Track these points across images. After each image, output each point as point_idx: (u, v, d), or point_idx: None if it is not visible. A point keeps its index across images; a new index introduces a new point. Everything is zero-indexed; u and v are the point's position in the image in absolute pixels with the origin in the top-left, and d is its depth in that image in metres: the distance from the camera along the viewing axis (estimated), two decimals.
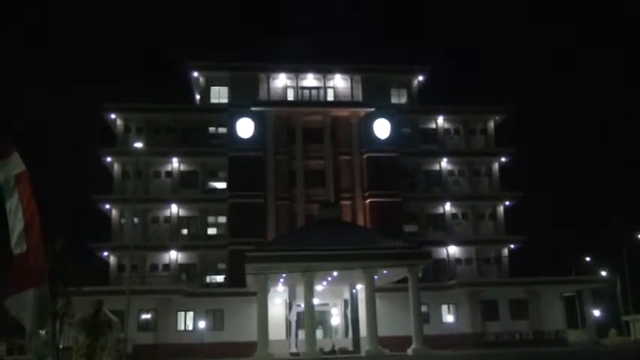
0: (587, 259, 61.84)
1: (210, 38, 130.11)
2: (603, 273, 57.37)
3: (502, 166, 58.60)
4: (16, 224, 7.94)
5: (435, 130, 58.51)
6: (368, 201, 53.84)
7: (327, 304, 49.42)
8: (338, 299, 48.87)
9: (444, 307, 49.31)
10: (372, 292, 39.89)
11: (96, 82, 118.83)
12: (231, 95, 56.88)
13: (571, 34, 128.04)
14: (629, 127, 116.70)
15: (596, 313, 54.20)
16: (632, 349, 38.91)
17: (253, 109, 54.29)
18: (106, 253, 52.40)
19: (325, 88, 58.18)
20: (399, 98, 59.53)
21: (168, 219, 53.80)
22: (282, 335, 44.58)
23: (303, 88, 58.09)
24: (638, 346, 44.58)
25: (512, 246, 56.17)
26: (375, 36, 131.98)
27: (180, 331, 46.57)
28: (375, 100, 56.34)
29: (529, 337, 47.78)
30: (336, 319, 49.71)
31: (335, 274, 41.12)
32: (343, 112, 55.99)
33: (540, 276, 50.21)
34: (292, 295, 44.23)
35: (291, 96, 57.72)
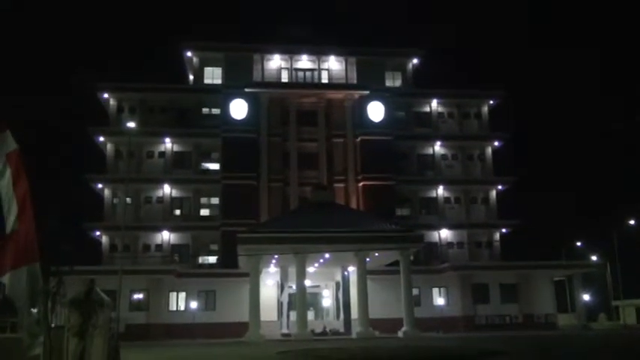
0: (578, 243, 62.27)
1: (205, 18, 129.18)
2: (594, 258, 57.77)
3: (495, 151, 58.71)
4: (8, 202, 7.92)
5: (429, 113, 58.52)
6: (361, 184, 53.93)
7: (318, 286, 49.64)
8: (330, 281, 49.08)
9: (435, 290, 49.61)
10: (363, 274, 40.10)
11: (89, 61, 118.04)
12: (225, 76, 56.63)
13: (568, 21, 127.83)
14: (622, 112, 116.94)
15: (586, 297, 54.66)
16: (621, 334, 39.29)
17: (247, 90, 54.12)
18: (98, 233, 52.41)
19: (320, 70, 57.98)
20: (393, 81, 59.46)
21: (161, 199, 53.77)
22: (274, 316, 44.81)
23: (297, 69, 57.87)
24: (627, 331, 45.02)
25: (504, 230, 56.47)
26: (369, 18, 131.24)
27: (172, 312, 46.72)
28: (370, 82, 56.21)
29: (519, 321, 48.22)
30: (327, 300, 49.96)
31: (327, 256, 41.26)
32: (337, 95, 55.87)
33: (531, 260, 50.55)
34: (284, 277, 44.41)
35: (285, 77, 57.50)
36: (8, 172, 7.99)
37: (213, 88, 55.87)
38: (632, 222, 56.18)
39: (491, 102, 59.43)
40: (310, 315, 45.52)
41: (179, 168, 54.48)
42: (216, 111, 55.42)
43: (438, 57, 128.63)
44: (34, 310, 7.79)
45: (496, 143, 58.35)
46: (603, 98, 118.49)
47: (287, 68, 57.74)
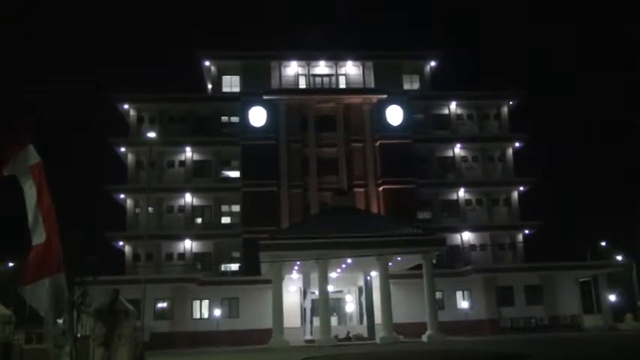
0: (603, 243, 61.46)
1: (222, 27, 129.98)
2: (619, 257, 56.96)
3: (516, 151, 58.24)
4: (33, 214, 8.01)
5: (448, 115, 58.22)
6: (381, 188, 53.77)
7: (341, 292, 49.54)
8: (352, 286, 48.97)
9: (459, 294, 49.28)
10: (386, 279, 39.95)
11: (108, 72, 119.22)
12: (243, 84, 56.92)
13: (587, 17, 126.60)
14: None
15: (612, 298, 53.85)
16: None
17: (265, 97, 54.30)
18: (121, 243, 52.79)
19: (337, 76, 58.01)
20: (411, 84, 59.31)
21: (182, 208, 54.06)
22: (297, 322, 44.77)
23: (314, 75, 57.97)
24: None
25: (526, 231, 55.93)
26: (380, 23, 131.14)
27: (196, 320, 46.91)
28: (388, 86, 56.13)
29: (544, 323, 47.68)
30: (350, 306, 49.84)
31: (349, 261, 41.17)
32: (355, 99, 55.83)
33: (555, 261, 49.99)
34: (307, 283, 44.36)
35: (303, 84, 57.63)
36: (33, 185, 8.09)
37: (231, 96, 56.13)
38: None
39: (511, 102, 58.99)
40: (333, 321, 45.41)
41: (199, 176, 54.78)
42: (235, 119, 55.66)
43: (456, 58, 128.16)
44: (60, 321, 7.86)
45: (516, 144, 57.87)
46: (623, 93, 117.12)
47: (304, 74, 57.88)
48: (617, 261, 55.45)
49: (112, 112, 57.25)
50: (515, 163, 57.78)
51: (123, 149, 54.76)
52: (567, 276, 49.64)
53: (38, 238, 7.94)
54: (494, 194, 56.87)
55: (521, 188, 56.81)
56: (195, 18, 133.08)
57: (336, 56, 57.87)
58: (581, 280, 50.70)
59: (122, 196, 53.89)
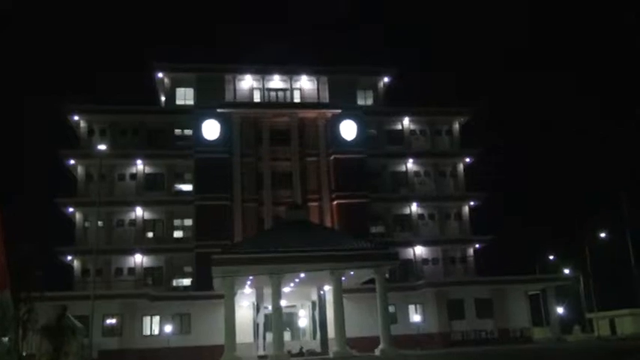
0: (551, 257, 62.89)
1: (177, 38, 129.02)
2: (567, 271, 58.34)
3: (467, 167, 59.20)
4: None
5: (401, 131, 58.85)
6: (335, 202, 53.92)
7: (294, 306, 49.32)
8: (306, 301, 48.80)
9: (411, 307, 49.59)
10: (339, 293, 39.93)
11: (59, 83, 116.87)
12: (196, 97, 56.43)
13: (535, 32, 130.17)
14: (593, 126, 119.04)
15: (560, 310, 55.08)
16: (595, 346, 39.64)
17: (219, 110, 53.95)
18: (69, 258, 51.52)
19: (292, 90, 58.08)
20: (365, 100, 59.82)
21: (133, 222, 53.07)
22: (250, 338, 44.36)
23: (269, 89, 57.89)
24: (601, 343, 45.43)
25: (477, 245, 56.79)
26: (336, 35, 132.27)
27: (146, 336, 45.99)
28: (342, 101, 56.44)
29: (494, 336, 48.34)
30: (303, 320, 49.64)
31: (302, 275, 41.06)
32: (310, 114, 55.99)
33: (505, 275, 50.86)
34: (260, 298, 44.05)
35: (257, 97, 57.47)
36: None
37: (185, 108, 55.57)
38: (603, 234, 56.92)
39: (462, 119, 60.00)
40: (287, 336, 45.10)
41: (151, 190, 53.88)
42: (188, 132, 55.07)
43: (411, 75, 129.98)
44: (5, 339, 7.60)
45: (467, 159, 58.86)
46: (570, 109, 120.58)
47: (259, 88, 57.73)
48: (565, 274, 56.78)
49: (63, 124, 56.05)
50: (466, 178, 58.71)
51: (72, 162, 53.62)
52: (517, 289, 50.51)
53: None
54: (446, 209, 57.63)
55: (472, 203, 57.73)
56: (150, 29, 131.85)
57: (290, 71, 57.94)
58: (530, 293, 51.69)
59: (71, 209, 52.65)
